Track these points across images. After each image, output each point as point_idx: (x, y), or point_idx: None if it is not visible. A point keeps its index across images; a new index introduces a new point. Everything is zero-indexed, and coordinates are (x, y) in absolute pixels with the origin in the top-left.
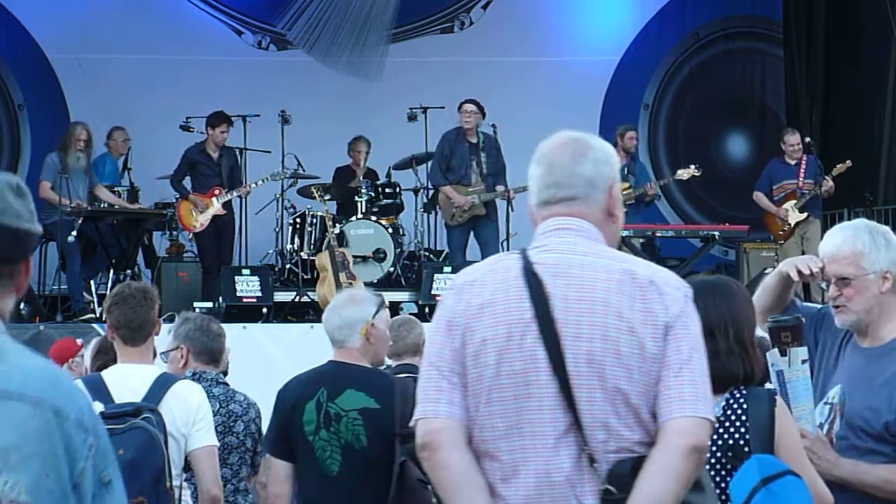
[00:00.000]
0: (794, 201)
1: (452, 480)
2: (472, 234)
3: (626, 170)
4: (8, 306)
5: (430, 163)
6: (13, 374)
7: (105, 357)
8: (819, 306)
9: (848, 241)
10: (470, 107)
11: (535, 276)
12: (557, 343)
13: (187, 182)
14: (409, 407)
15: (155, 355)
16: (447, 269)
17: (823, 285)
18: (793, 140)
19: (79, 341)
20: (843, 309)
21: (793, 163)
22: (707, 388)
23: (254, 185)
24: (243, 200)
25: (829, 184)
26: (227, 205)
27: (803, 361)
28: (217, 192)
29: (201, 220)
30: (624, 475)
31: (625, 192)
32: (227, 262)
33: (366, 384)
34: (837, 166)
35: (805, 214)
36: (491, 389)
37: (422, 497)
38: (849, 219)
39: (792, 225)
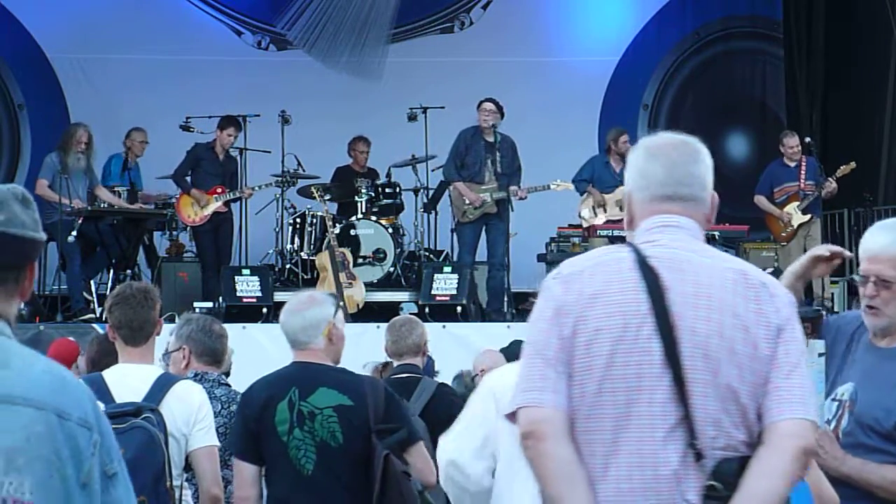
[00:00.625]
0: (797, 203)
1: (556, 471)
2: (483, 232)
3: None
4: (13, 310)
5: (430, 162)
6: (17, 380)
7: (107, 358)
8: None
9: (894, 243)
10: (489, 106)
11: (651, 269)
12: (673, 337)
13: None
14: (381, 403)
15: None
16: (447, 268)
17: (857, 279)
18: (792, 142)
19: (71, 339)
20: (876, 312)
21: (793, 165)
22: (812, 391)
23: (256, 189)
24: (243, 201)
25: (832, 185)
26: (227, 204)
27: (820, 355)
28: (219, 190)
29: (201, 215)
30: (731, 473)
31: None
32: (225, 261)
33: (337, 382)
34: (842, 167)
35: (808, 216)
36: (602, 380)
37: (406, 489)
38: (849, 219)
39: (795, 227)
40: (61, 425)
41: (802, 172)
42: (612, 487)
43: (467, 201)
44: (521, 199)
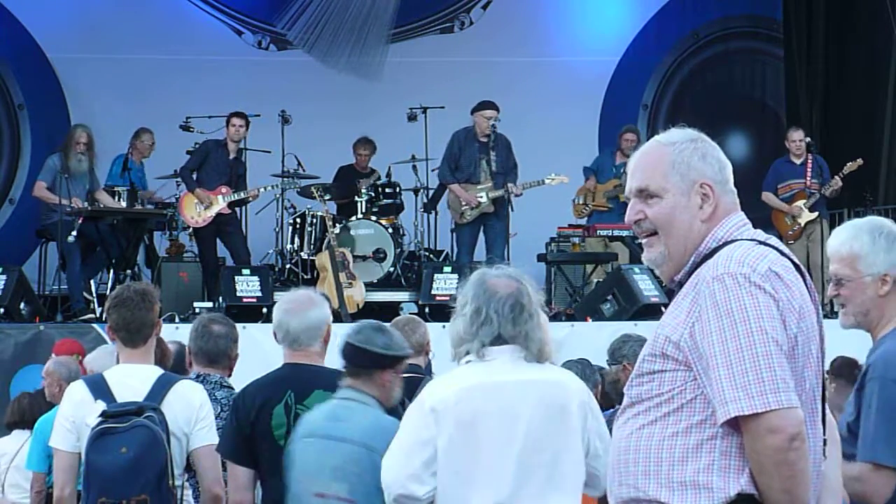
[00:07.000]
0: (804, 200)
1: (809, 474)
2: (481, 232)
3: (623, 167)
4: (373, 390)
5: (429, 162)
6: (349, 429)
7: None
8: None
9: (847, 242)
10: (491, 113)
11: (803, 273)
12: (821, 337)
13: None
14: None
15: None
16: (447, 268)
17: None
18: (796, 136)
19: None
20: (843, 310)
21: (799, 162)
22: None
23: (263, 190)
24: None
25: (837, 184)
26: (231, 206)
27: None
28: (224, 190)
29: (204, 216)
30: None
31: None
32: (244, 258)
33: (332, 384)
34: (848, 164)
35: (815, 214)
36: (814, 377)
37: None
38: (849, 219)
39: (802, 224)
40: (369, 454)
41: (809, 170)
42: None
43: (463, 203)
44: (516, 195)
